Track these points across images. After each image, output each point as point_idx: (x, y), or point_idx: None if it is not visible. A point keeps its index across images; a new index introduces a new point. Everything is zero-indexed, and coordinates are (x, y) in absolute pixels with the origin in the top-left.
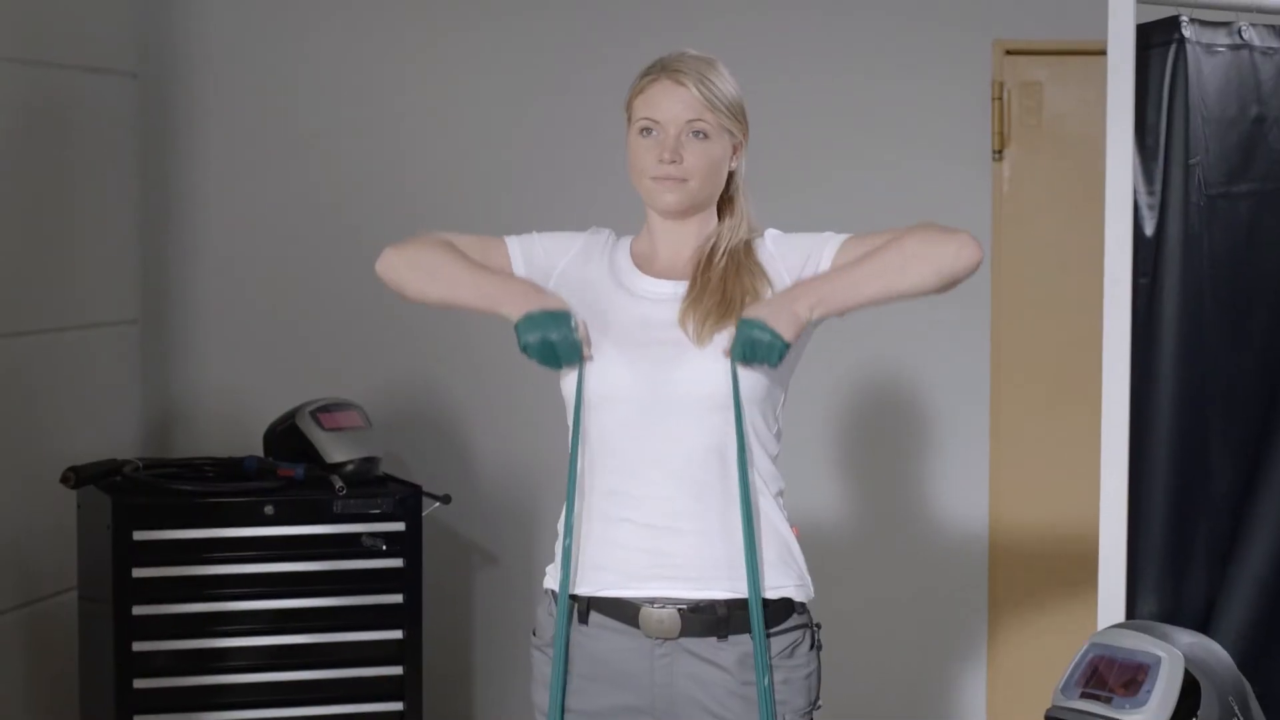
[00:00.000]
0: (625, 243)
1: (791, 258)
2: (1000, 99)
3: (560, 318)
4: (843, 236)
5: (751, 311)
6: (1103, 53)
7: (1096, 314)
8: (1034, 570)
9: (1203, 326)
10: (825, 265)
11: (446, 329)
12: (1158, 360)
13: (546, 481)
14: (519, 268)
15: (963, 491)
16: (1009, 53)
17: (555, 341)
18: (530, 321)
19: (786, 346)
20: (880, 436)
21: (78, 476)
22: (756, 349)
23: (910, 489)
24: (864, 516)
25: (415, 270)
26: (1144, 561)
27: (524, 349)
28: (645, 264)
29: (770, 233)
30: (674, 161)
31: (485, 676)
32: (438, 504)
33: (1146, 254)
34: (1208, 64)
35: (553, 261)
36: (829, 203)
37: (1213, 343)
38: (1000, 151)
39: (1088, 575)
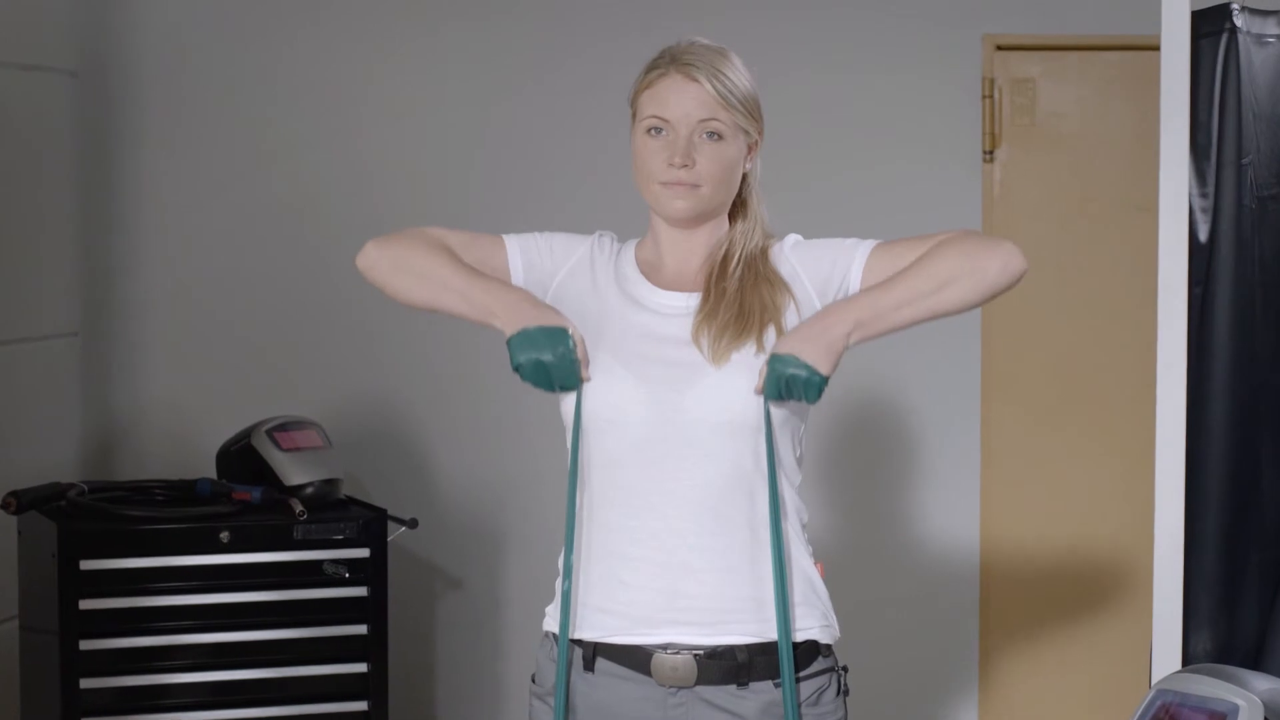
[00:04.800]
0: (629, 249)
1: (814, 268)
2: (991, 97)
3: (557, 335)
4: (870, 244)
5: (783, 345)
6: (1099, 48)
7: (1093, 324)
8: (1026, 590)
9: (1254, 340)
10: (854, 277)
11: (407, 342)
12: (1211, 378)
13: (513, 501)
14: (517, 271)
15: (953, 508)
16: (1000, 48)
17: (550, 363)
18: (524, 339)
19: (825, 381)
20: (867, 448)
21: (19, 501)
22: (792, 387)
23: (899, 505)
24: (853, 537)
25: (399, 271)
26: (1197, 595)
27: (516, 369)
28: (651, 274)
29: (790, 239)
30: (685, 165)
31: (450, 707)
32: (404, 528)
33: (1200, 261)
34: (1258, 56)
35: (555, 264)
36: (813, 205)
37: (1263, 358)
38: (991, 152)
39: (1081, 594)
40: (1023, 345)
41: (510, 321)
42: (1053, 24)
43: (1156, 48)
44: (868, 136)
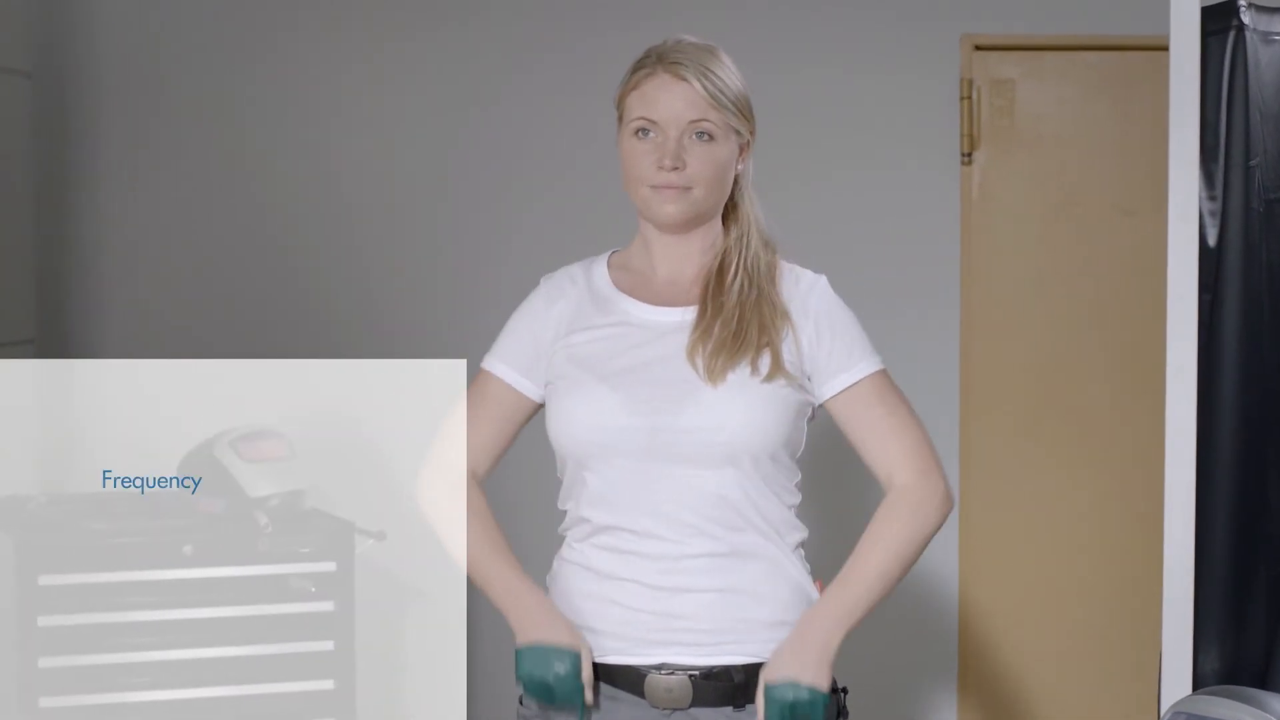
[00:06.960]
0: (599, 266)
1: (817, 336)
2: (969, 98)
3: (564, 656)
4: (867, 370)
5: (776, 671)
6: (1080, 48)
7: (1075, 330)
8: (1006, 602)
9: (1262, 348)
10: (828, 389)
11: (373, 351)
12: (1220, 387)
13: None
14: (524, 386)
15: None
16: (979, 48)
17: (552, 684)
18: (531, 654)
19: (828, 697)
20: (843, 458)
21: None
22: (797, 713)
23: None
24: (827, 551)
25: None
26: (1205, 612)
27: (518, 678)
28: (641, 285)
29: (818, 282)
30: (676, 168)
31: None
32: (371, 541)
33: (1208, 266)
34: (1265, 54)
35: (540, 342)
36: (788, 206)
37: (1272, 365)
38: (970, 154)
39: (1060, 606)
40: (1002, 351)
41: (522, 631)
42: (1032, 24)
43: (1139, 48)
44: (844, 137)
